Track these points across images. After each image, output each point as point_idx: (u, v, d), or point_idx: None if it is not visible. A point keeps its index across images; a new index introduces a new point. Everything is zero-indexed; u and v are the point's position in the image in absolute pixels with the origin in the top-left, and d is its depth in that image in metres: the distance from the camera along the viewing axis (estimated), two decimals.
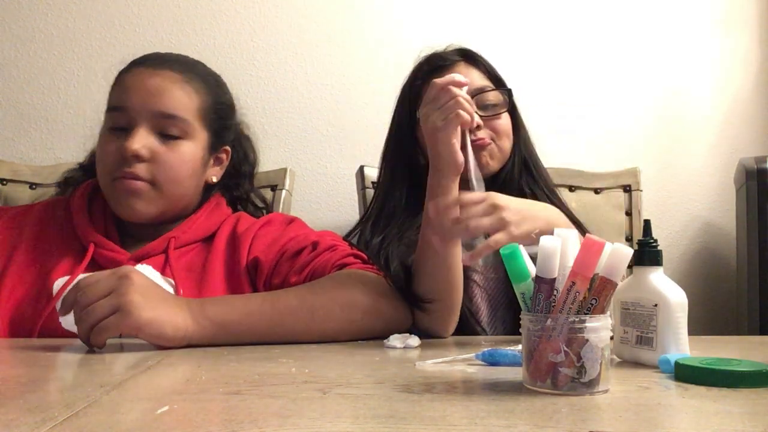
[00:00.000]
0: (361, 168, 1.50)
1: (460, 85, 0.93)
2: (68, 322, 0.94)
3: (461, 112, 0.92)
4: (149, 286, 0.81)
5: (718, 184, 1.79)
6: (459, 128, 0.93)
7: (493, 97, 1.18)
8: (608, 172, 1.58)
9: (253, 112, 1.71)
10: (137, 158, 1.01)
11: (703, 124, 1.81)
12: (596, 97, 1.79)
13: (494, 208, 0.88)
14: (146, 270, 1.01)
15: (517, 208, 0.90)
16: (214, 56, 1.70)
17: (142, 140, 1.01)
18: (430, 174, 0.97)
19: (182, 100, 1.05)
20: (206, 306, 0.84)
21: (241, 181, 1.23)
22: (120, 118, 1.03)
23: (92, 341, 0.77)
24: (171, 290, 0.99)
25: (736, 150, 1.78)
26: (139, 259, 1.03)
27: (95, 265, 1.00)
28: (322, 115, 1.72)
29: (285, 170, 1.50)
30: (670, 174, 1.78)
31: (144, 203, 1.04)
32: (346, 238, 1.16)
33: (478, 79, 1.18)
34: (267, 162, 1.67)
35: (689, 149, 1.80)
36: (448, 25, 1.74)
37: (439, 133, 0.93)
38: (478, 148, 1.15)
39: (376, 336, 0.91)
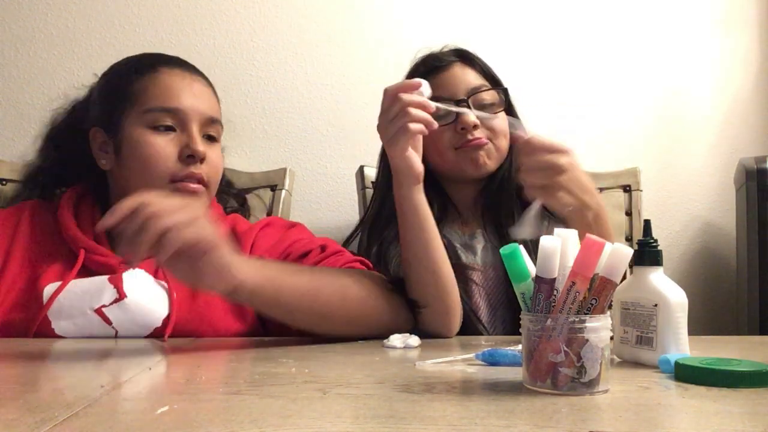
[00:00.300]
0: (361, 168, 1.50)
1: (412, 88, 0.91)
2: (61, 327, 0.94)
3: (411, 124, 0.91)
4: (218, 230, 0.78)
5: (718, 184, 1.79)
6: (415, 136, 0.93)
7: (490, 96, 1.18)
8: (608, 172, 1.59)
9: (253, 112, 1.71)
10: (202, 160, 1.02)
11: (703, 124, 1.81)
12: (596, 97, 1.78)
13: (556, 167, 0.90)
14: (138, 275, 0.99)
15: (579, 179, 0.91)
16: (214, 56, 1.70)
17: (202, 142, 1.04)
18: (393, 184, 0.98)
19: (216, 105, 1.11)
20: (254, 258, 0.89)
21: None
22: (167, 118, 1.03)
23: (163, 248, 0.70)
24: (164, 294, 0.98)
25: (736, 150, 1.78)
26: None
27: (87, 270, 0.99)
28: (322, 115, 1.72)
29: (285, 170, 1.50)
30: (670, 174, 1.78)
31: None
32: (346, 244, 1.17)
33: (474, 78, 1.19)
34: (267, 162, 1.68)
35: (689, 149, 1.80)
36: (448, 25, 1.74)
37: (391, 147, 0.94)
38: (476, 147, 1.16)
39: (383, 333, 0.90)
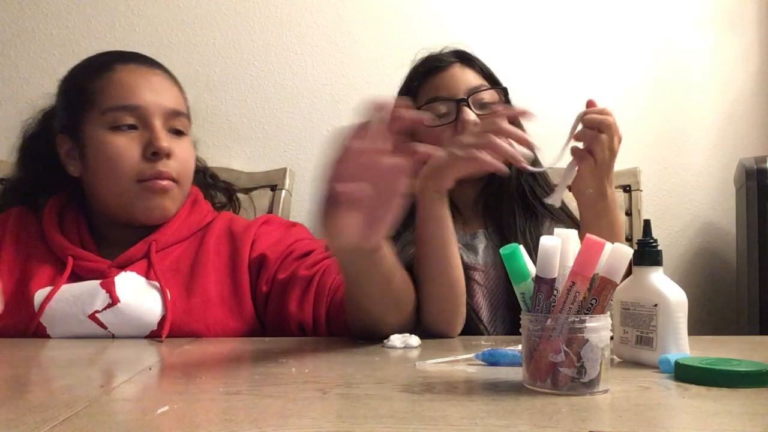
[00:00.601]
0: None
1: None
2: (56, 334, 0.94)
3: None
4: None
5: (718, 184, 1.79)
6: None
7: (489, 96, 1.19)
8: None
9: (253, 112, 1.71)
10: (168, 156, 1.00)
11: (703, 124, 1.81)
12: (596, 96, 1.78)
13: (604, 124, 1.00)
14: (130, 278, 0.98)
15: (612, 155, 1.00)
16: (214, 56, 1.70)
17: (166, 137, 1.01)
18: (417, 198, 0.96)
19: (180, 96, 1.08)
20: None
21: (202, 166, 1.23)
22: (128, 117, 1.01)
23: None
24: (158, 295, 0.97)
25: (736, 150, 1.78)
26: (121, 266, 1.00)
27: (76, 276, 0.99)
28: (322, 115, 1.72)
29: (285, 170, 1.50)
30: (670, 174, 1.78)
31: (171, 202, 1.04)
32: None
33: (473, 79, 1.20)
34: (267, 162, 1.68)
35: (689, 149, 1.80)
36: (448, 26, 1.74)
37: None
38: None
39: (389, 331, 0.89)
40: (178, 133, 1.05)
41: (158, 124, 1.01)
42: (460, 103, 1.16)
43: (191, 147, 1.08)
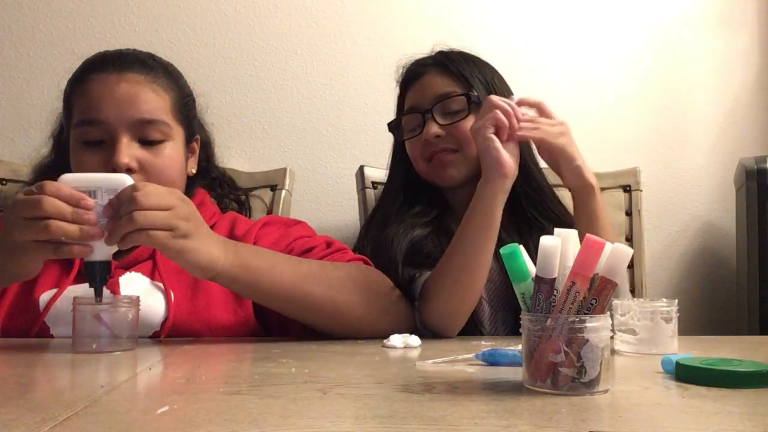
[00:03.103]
0: (361, 168, 1.50)
1: None
2: (60, 333, 0.93)
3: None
4: (199, 218, 0.82)
5: (718, 184, 1.79)
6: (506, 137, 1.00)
7: (457, 103, 1.15)
8: (608, 172, 1.58)
9: (253, 112, 1.71)
10: (129, 172, 0.97)
11: (703, 124, 1.81)
12: (596, 96, 1.78)
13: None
14: (135, 278, 0.99)
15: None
16: (214, 56, 1.70)
17: (129, 152, 0.97)
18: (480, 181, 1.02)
19: (156, 102, 1.02)
20: (239, 248, 0.86)
21: (212, 167, 1.22)
22: (94, 131, 0.98)
23: (129, 240, 0.75)
24: (161, 296, 0.97)
25: (736, 150, 1.78)
26: (126, 267, 1.00)
27: (83, 276, 0.99)
28: (322, 115, 1.72)
29: (285, 170, 1.50)
30: (670, 174, 1.78)
31: None
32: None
33: (444, 86, 1.16)
34: (267, 162, 1.68)
35: (689, 149, 1.80)
36: (448, 26, 1.74)
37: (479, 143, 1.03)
38: (439, 164, 1.16)
39: (380, 332, 0.90)
40: (152, 142, 1.00)
41: (124, 138, 0.97)
42: (425, 114, 1.15)
43: (174, 153, 1.03)
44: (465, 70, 1.18)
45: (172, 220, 0.76)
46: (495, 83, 1.20)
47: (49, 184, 0.76)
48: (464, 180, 1.17)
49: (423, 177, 1.21)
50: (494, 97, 1.02)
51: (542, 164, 1.26)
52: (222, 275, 0.83)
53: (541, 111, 1.08)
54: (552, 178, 1.22)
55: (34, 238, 0.75)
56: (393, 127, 1.24)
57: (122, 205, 0.76)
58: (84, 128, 0.99)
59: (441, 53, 1.23)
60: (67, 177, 0.79)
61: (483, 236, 0.98)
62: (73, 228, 0.75)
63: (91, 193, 0.77)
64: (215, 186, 1.23)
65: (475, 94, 1.15)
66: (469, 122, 1.13)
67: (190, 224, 0.79)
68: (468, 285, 0.98)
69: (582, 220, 1.06)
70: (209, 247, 0.81)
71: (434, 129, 1.13)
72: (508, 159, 0.99)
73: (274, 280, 0.87)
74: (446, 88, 1.16)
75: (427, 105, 1.16)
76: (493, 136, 0.99)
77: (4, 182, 1.40)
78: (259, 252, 0.91)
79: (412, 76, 1.21)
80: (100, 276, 0.79)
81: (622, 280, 1.06)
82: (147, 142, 1.00)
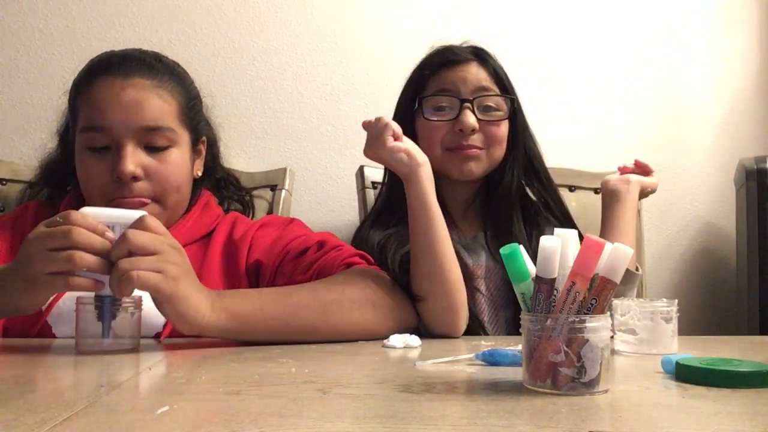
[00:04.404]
0: (361, 168, 1.50)
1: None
2: (62, 333, 0.93)
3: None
4: (189, 267, 0.80)
5: (718, 184, 1.79)
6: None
7: (495, 102, 1.17)
8: (608, 172, 1.58)
9: (253, 112, 1.71)
10: (134, 179, 0.97)
11: (703, 124, 1.81)
12: (596, 96, 1.78)
13: None
14: None
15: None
16: (214, 56, 1.70)
17: (134, 159, 0.97)
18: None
19: (162, 108, 1.01)
20: (222, 297, 0.83)
21: (218, 167, 1.21)
22: (99, 137, 0.98)
23: (121, 288, 0.73)
24: None
25: (736, 150, 1.78)
26: None
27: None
28: (322, 115, 1.72)
29: (285, 170, 1.50)
30: (670, 174, 1.78)
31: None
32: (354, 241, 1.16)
33: (484, 80, 1.17)
34: (267, 162, 1.67)
35: (689, 149, 1.80)
36: (448, 25, 1.73)
37: (374, 152, 1.04)
38: (466, 157, 1.15)
39: (385, 334, 0.90)
40: (157, 149, 1.00)
41: (129, 145, 0.97)
42: (463, 103, 1.14)
43: (179, 158, 1.03)
44: (500, 71, 1.20)
45: (161, 264, 0.74)
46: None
47: (75, 214, 0.74)
48: (477, 178, 1.18)
49: (433, 164, 1.19)
50: (367, 120, 1.04)
51: (546, 164, 1.26)
52: (210, 329, 0.80)
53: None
54: (556, 179, 1.23)
55: (54, 270, 0.73)
56: (418, 101, 1.19)
57: (116, 252, 0.74)
58: (89, 134, 0.99)
59: (478, 47, 1.22)
60: (87, 210, 0.77)
61: (435, 227, 0.97)
62: (95, 260, 0.73)
63: (109, 227, 0.76)
64: (221, 187, 1.23)
65: (517, 99, 1.18)
66: (504, 126, 1.16)
67: (180, 270, 0.77)
68: (446, 278, 0.97)
69: (602, 224, 1.07)
70: (197, 299, 0.78)
71: (473, 120, 1.13)
72: (414, 148, 0.99)
73: (266, 320, 0.85)
74: (486, 83, 1.17)
75: (468, 94, 1.15)
76: (392, 140, 0.98)
77: (4, 182, 1.39)
78: (246, 295, 0.89)
79: (450, 60, 1.18)
80: (110, 312, 0.77)
81: (632, 284, 1.07)
82: (152, 149, 1.00)
